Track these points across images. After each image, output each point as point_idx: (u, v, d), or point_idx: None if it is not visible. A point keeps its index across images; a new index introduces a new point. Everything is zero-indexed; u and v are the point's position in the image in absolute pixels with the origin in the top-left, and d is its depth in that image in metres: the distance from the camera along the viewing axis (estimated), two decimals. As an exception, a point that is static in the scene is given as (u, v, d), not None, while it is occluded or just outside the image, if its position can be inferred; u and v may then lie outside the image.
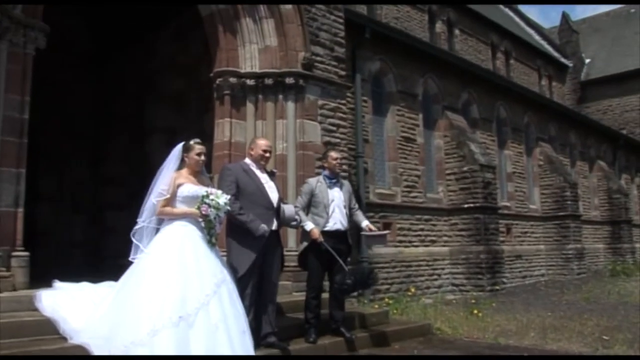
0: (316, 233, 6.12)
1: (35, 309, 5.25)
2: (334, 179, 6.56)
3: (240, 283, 5.30)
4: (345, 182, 6.81)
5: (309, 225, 6.20)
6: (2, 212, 5.85)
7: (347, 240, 6.53)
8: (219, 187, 5.51)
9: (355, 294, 8.00)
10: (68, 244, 11.77)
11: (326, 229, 6.30)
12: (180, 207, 5.12)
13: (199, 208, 5.04)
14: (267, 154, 5.97)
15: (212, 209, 5.03)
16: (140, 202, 5.27)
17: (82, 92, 12.09)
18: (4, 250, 5.82)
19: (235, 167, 5.88)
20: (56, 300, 5.25)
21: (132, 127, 11.90)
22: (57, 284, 5.62)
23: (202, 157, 5.33)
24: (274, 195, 5.83)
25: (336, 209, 6.40)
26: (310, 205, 6.41)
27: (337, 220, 6.38)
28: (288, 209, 5.96)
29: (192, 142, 5.33)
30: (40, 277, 5.99)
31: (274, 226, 5.77)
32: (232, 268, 5.37)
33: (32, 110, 6.29)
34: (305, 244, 6.31)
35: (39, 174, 11.69)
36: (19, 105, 6.11)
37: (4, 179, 5.89)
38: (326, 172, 6.59)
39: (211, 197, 5.07)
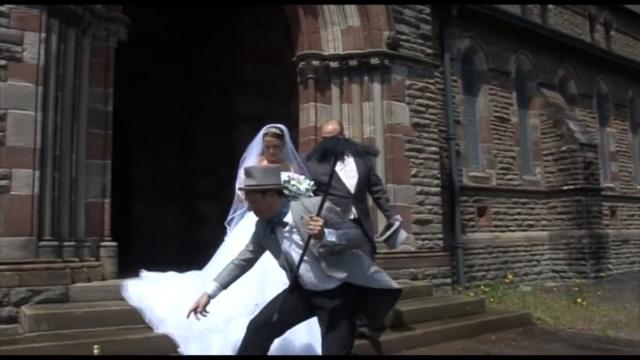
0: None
1: (122, 298, 5.27)
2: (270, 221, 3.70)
3: None
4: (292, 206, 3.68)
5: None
6: (89, 202, 5.96)
7: (339, 294, 3.58)
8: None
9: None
10: (161, 234, 12.03)
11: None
12: None
13: None
14: None
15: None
16: (229, 191, 5.18)
17: (171, 85, 12.30)
18: (92, 241, 5.94)
19: None
20: (142, 289, 5.27)
21: (220, 116, 12.01)
22: (144, 273, 5.68)
23: (270, 149, 5.04)
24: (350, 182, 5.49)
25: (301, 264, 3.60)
26: None
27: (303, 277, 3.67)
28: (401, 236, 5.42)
29: (263, 130, 5.12)
30: (132, 266, 6.05)
31: None
32: None
33: (123, 104, 6.38)
34: None
35: (134, 166, 12.03)
36: (102, 97, 6.22)
37: (90, 171, 6.00)
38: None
39: (292, 182, 4.71)
